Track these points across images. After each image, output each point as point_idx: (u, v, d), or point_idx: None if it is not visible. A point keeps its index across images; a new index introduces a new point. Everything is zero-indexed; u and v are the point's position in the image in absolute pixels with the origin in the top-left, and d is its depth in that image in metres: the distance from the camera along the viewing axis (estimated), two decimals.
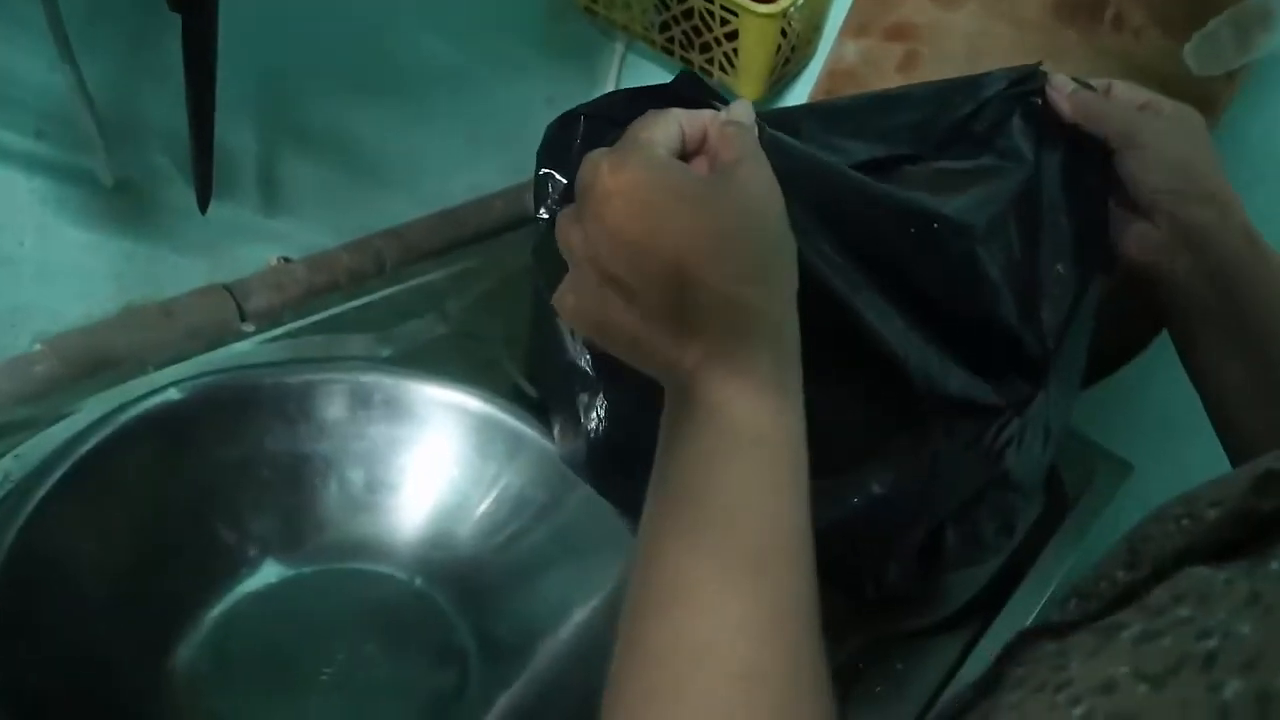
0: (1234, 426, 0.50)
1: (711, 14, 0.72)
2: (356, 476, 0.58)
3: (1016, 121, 0.52)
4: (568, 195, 0.44)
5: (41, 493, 0.47)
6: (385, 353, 0.65)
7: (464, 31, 0.75)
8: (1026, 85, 0.53)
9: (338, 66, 0.68)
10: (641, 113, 0.38)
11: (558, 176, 0.50)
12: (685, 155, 0.38)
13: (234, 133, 0.63)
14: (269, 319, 0.66)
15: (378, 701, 0.52)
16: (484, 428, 0.58)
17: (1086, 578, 0.34)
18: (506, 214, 0.86)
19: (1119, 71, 0.58)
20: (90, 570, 0.49)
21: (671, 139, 0.37)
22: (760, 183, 0.36)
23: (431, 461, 0.58)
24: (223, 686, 0.50)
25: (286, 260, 0.72)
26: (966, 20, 0.69)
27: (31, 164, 0.56)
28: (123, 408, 0.52)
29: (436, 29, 0.73)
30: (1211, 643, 0.22)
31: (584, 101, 0.49)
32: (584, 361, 0.51)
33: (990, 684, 0.31)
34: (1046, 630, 0.30)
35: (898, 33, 0.72)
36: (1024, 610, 0.60)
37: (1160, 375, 0.69)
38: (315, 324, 0.66)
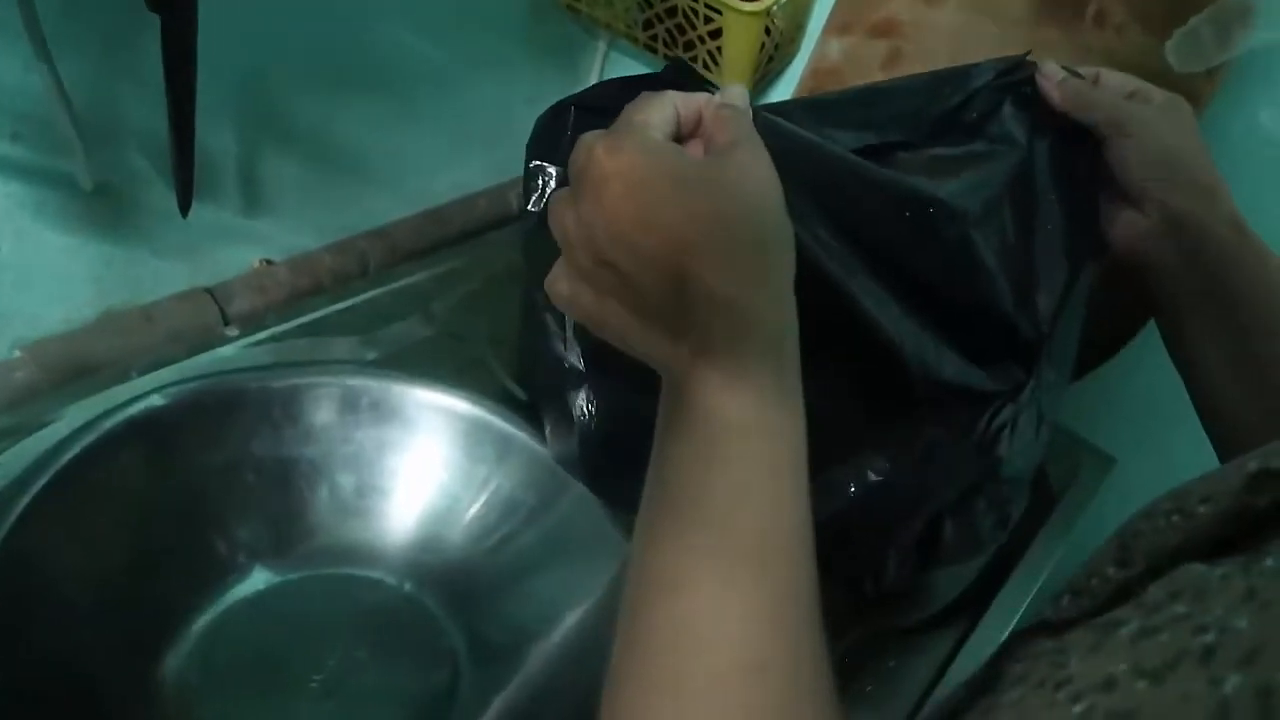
0: (1220, 416, 0.51)
1: (695, 12, 0.72)
2: (344, 481, 0.57)
3: (1008, 109, 0.52)
4: (563, 183, 0.44)
5: (25, 502, 0.46)
6: (371, 355, 0.64)
7: (446, 30, 0.75)
8: (1016, 75, 0.53)
9: (319, 66, 0.67)
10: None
11: (549, 168, 0.50)
12: (680, 138, 0.38)
13: (214, 133, 0.62)
14: (252, 322, 0.66)
15: (368, 707, 0.52)
16: (473, 430, 0.58)
17: (1078, 574, 0.34)
18: (491, 212, 0.85)
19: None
20: (76, 579, 0.48)
21: (667, 122, 0.37)
22: (758, 166, 0.36)
23: (420, 465, 0.58)
24: (212, 694, 0.50)
25: (269, 262, 0.71)
26: (950, 17, 0.69)
27: (7, 167, 0.55)
28: (106, 414, 0.51)
29: (418, 28, 0.73)
30: (1209, 637, 0.22)
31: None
32: (574, 358, 0.51)
33: (987, 682, 0.31)
34: (1043, 628, 0.30)
35: (881, 30, 0.72)
36: (1013, 605, 0.60)
37: (1141, 368, 0.69)
38: (299, 327, 0.66)
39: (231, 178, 0.67)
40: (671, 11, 0.75)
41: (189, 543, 0.53)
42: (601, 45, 0.89)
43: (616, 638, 0.33)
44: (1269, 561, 0.23)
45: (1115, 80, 0.53)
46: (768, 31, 0.73)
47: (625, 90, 0.40)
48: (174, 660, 0.50)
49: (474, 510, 0.58)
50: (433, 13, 0.73)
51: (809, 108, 0.51)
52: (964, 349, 0.48)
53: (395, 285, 0.73)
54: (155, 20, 0.50)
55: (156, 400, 0.53)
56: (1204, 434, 0.52)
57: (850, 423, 0.48)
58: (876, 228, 0.45)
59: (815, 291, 0.38)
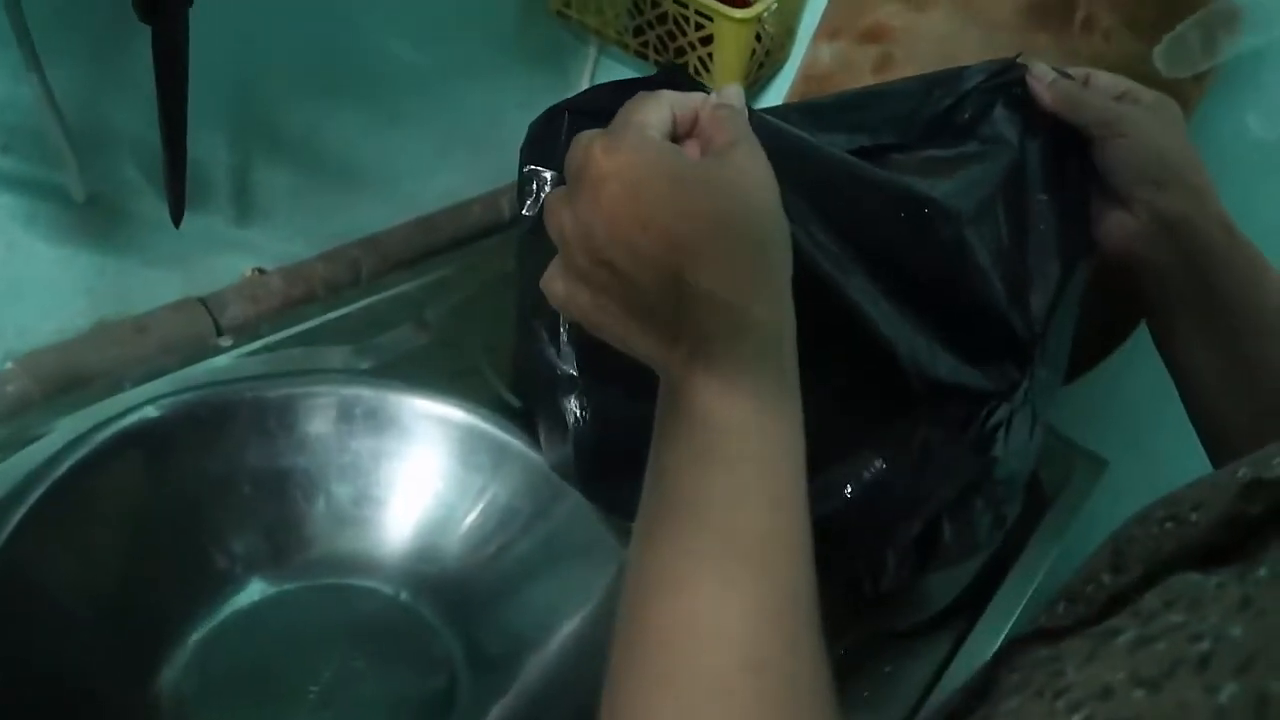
0: (1210, 416, 0.51)
1: (686, 18, 0.72)
2: (340, 491, 0.57)
3: (999, 110, 0.52)
4: (558, 186, 0.44)
5: (19, 516, 0.46)
6: (364, 364, 0.64)
7: (436, 36, 0.75)
8: (1006, 76, 0.53)
9: (309, 74, 0.67)
10: None
11: (543, 172, 0.50)
12: (676, 138, 0.38)
13: (205, 142, 0.62)
14: (245, 332, 0.66)
15: (366, 717, 0.52)
16: (468, 439, 0.58)
17: (1073, 580, 0.34)
18: (483, 220, 0.85)
19: None
20: (72, 592, 0.48)
21: (664, 122, 0.37)
22: (756, 166, 0.36)
23: (416, 474, 0.58)
24: (209, 706, 0.50)
25: (261, 272, 0.71)
26: (939, 23, 0.69)
27: None
28: (99, 426, 0.51)
29: (408, 34, 0.72)
30: (1204, 645, 0.22)
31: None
32: (569, 364, 0.51)
33: (984, 690, 0.31)
34: (1039, 636, 0.31)
35: (871, 35, 0.72)
36: (1008, 608, 0.60)
37: (1132, 372, 0.70)
38: (293, 336, 0.66)
39: (223, 187, 0.67)
40: (662, 18, 0.75)
41: (185, 554, 0.53)
42: (592, 52, 0.89)
43: (615, 638, 0.33)
44: (1263, 570, 0.23)
45: (1105, 81, 0.53)
46: (758, 38, 0.73)
47: (619, 93, 0.39)
48: (170, 672, 0.50)
49: (470, 519, 0.58)
50: (423, 20, 0.73)
51: (801, 112, 0.51)
52: (959, 349, 0.48)
53: (388, 293, 0.73)
54: (146, 31, 0.50)
55: (151, 412, 0.53)
56: (1194, 436, 0.52)
57: (847, 423, 0.48)
58: (871, 227, 0.45)
59: (811, 291, 0.38)
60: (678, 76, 0.43)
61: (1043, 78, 0.52)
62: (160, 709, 0.48)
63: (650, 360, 0.36)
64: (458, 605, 0.56)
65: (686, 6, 0.71)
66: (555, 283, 0.37)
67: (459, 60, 0.78)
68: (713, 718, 0.30)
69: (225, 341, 0.64)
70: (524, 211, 0.51)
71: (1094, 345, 0.67)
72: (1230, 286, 0.49)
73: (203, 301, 0.66)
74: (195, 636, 0.52)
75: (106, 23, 0.53)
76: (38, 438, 0.53)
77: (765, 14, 0.71)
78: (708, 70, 0.75)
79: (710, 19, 0.71)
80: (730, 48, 0.72)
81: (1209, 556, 0.27)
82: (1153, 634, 0.24)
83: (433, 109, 0.79)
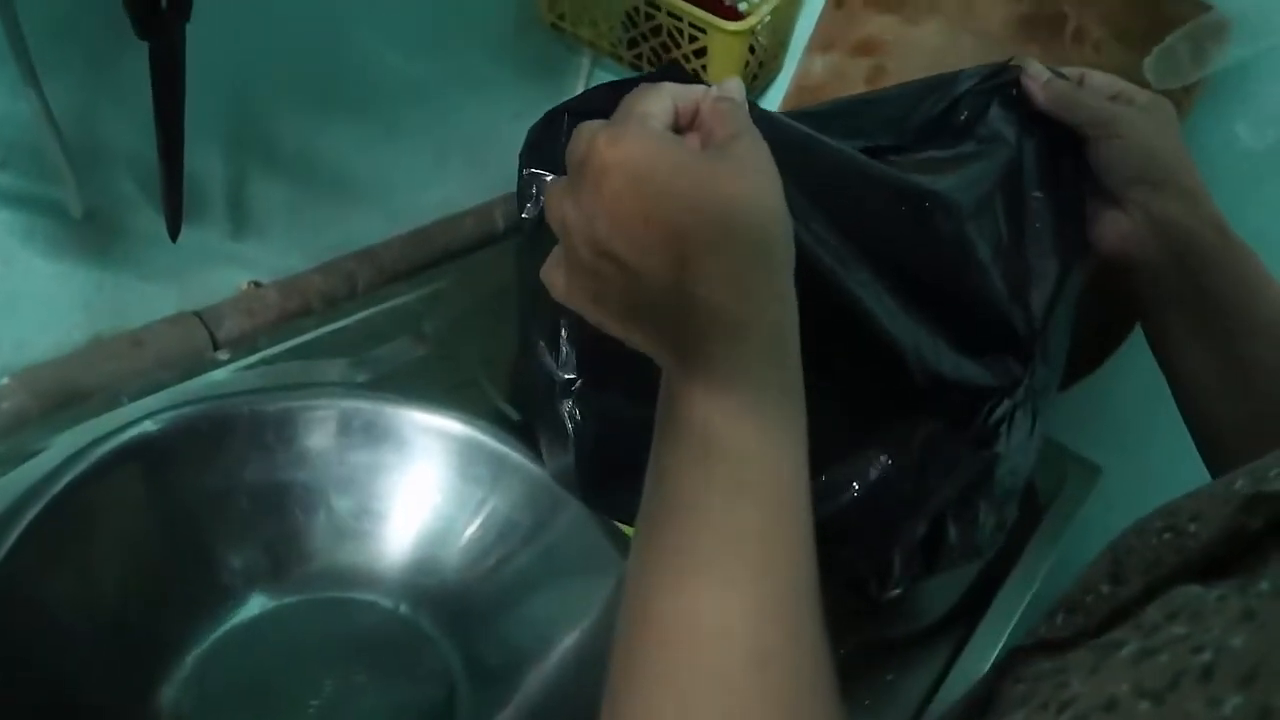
0: (1204, 418, 0.51)
1: (680, 30, 0.73)
2: (339, 504, 0.57)
3: (995, 110, 0.53)
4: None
5: (17, 532, 0.46)
6: (362, 377, 0.64)
7: (430, 49, 0.75)
8: (1001, 78, 0.53)
9: (304, 87, 0.68)
10: None
11: (544, 176, 0.50)
12: (677, 130, 0.37)
13: (201, 157, 0.62)
14: (242, 346, 0.66)
15: None
16: (467, 451, 0.58)
17: (1072, 590, 0.35)
18: (478, 231, 0.85)
19: None
20: (71, 608, 0.48)
21: (666, 113, 0.36)
22: (759, 159, 0.35)
23: (415, 487, 0.58)
24: None
25: (257, 285, 0.71)
26: (931, 35, 0.70)
27: None
28: (98, 442, 0.51)
29: (403, 46, 0.73)
30: (1206, 656, 0.22)
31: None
32: (568, 369, 0.51)
33: (987, 700, 0.31)
34: (1041, 648, 0.31)
35: (864, 48, 0.73)
36: (1005, 616, 0.61)
37: (1122, 378, 0.70)
38: (290, 350, 0.66)
39: (219, 201, 0.67)
40: (656, 30, 0.75)
41: (184, 569, 0.53)
42: (586, 63, 0.89)
43: (616, 638, 0.33)
44: (1264, 584, 0.23)
45: (1099, 81, 0.53)
46: (751, 50, 0.74)
47: (616, 94, 0.39)
48: (170, 689, 0.50)
49: (470, 532, 0.58)
50: (418, 32, 0.73)
51: (796, 119, 0.51)
52: (960, 344, 0.48)
53: (385, 306, 0.73)
54: (143, 46, 0.50)
55: (149, 426, 0.52)
56: (1187, 443, 0.52)
57: (849, 421, 0.48)
58: (873, 222, 0.45)
59: (812, 286, 0.38)
60: (675, 73, 0.43)
61: (1038, 77, 0.52)
62: None
63: (652, 353, 0.36)
64: (457, 618, 0.56)
65: (680, 19, 0.72)
66: (556, 274, 0.37)
67: (453, 73, 0.79)
68: (716, 715, 0.30)
69: (222, 355, 0.64)
70: (523, 215, 0.50)
71: (1091, 347, 0.68)
72: (1224, 288, 0.49)
73: (199, 315, 0.66)
74: (195, 651, 0.51)
75: (104, 38, 0.53)
76: (35, 453, 0.53)
77: (758, 26, 0.71)
78: (701, 82, 0.75)
79: (704, 31, 0.71)
80: (723, 60, 0.72)
81: (1209, 569, 0.27)
82: (1155, 646, 0.24)
83: (427, 121, 0.79)
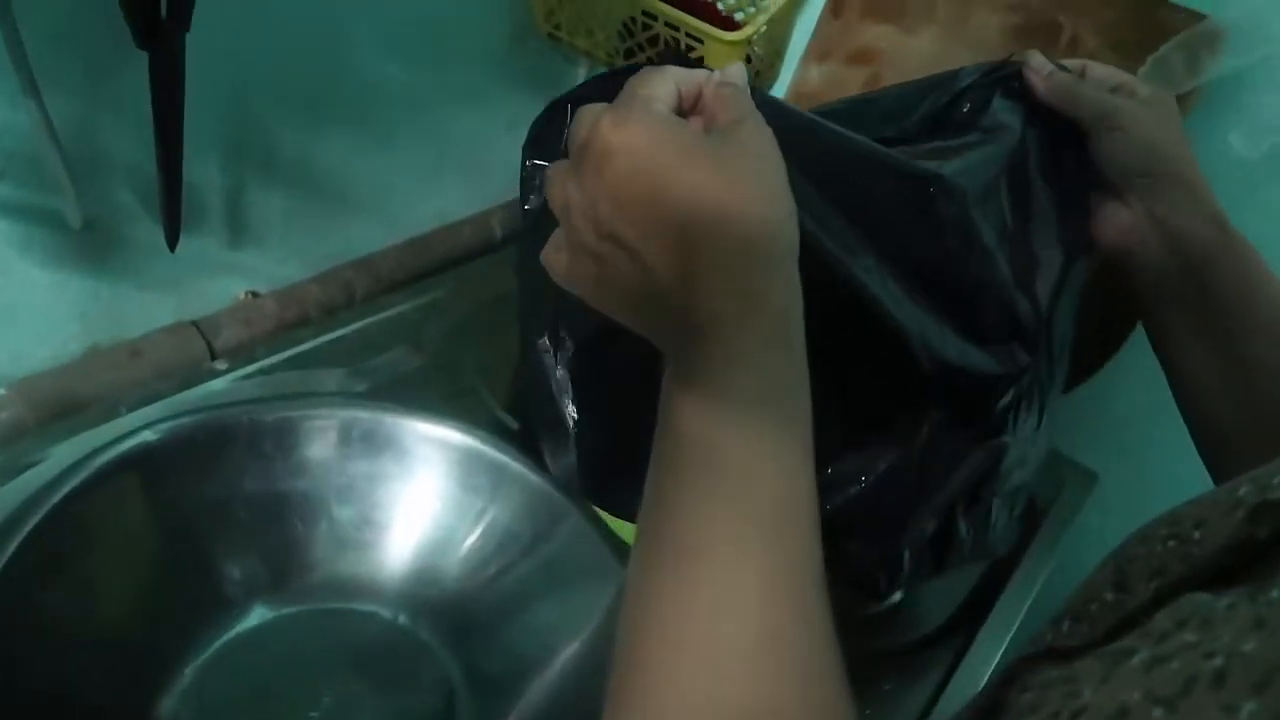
0: (1205, 419, 0.51)
1: (676, 40, 0.73)
2: (338, 515, 0.57)
3: (998, 101, 0.52)
4: None
5: (16, 543, 0.46)
6: (360, 387, 0.64)
7: (427, 59, 0.75)
8: (1002, 72, 0.53)
9: (301, 97, 0.68)
10: None
11: (547, 168, 0.49)
12: (680, 115, 0.37)
13: (199, 167, 0.62)
14: (239, 355, 0.65)
15: None
16: (466, 461, 0.58)
17: (1075, 598, 0.34)
18: (475, 240, 0.85)
19: None
20: (70, 619, 0.47)
21: (670, 96, 0.36)
22: (763, 143, 0.35)
23: (414, 497, 0.58)
24: None
25: (255, 294, 0.71)
26: (927, 45, 0.70)
27: None
28: (96, 452, 0.51)
29: (399, 56, 0.73)
30: (1218, 661, 0.22)
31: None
32: (568, 365, 0.50)
33: (993, 709, 0.31)
34: (1048, 656, 0.31)
35: (860, 57, 0.73)
36: (1005, 624, 0.61)
37: (1119, 385, 0.71)
38: (287, 359, 0.66)
39: (216, 210, 0.67)
40: (653, 40, 0.76)
41: (183, 580, 0.52)
42: (582, 74, 0.89)
43: (623, 617, 0.32)
44: (1275, 593, 0.23)
45: (1101, 73, 0.53)
46: (748, 59, 0.74)
47: (617, 85, 0.38)
48: (170, 700, 0.49)
49: (470, 541, 0.57)
50: (414, 42, 0.73)
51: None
52: (965, 331, 0.47)
53: (382, 315, 0.73)
54: (142, 56, 0.50)
55: (148, 436, 0.52)
56: (1183, 449, 0.52)
57: (856, 411, 0.47)
58: (878, 207, 0.44)
59: (815, 272, 0.37)
60: (675, 60, 0.42)
61: (1040, 69, 0.52)
62: None
63: (655, 335, 0.35)
64: (457, 628, 0.56)
65: (677, 28, 0.72)
66: (557, 257, 0.36)
67: (450, 82, 0.79)
68: (723, 694, 0.30)
69: (220, 365, 0.64)
70: (525, 207, 0.50)
71: (1093, 346, 0.68)
72: (1224, 284, 0.49)
73: (196, 325, 0.66)
74: (194, 663, 0.51)
75: (103, 48, 0.53)
76: (33, 464, 0.53)
77: (755, 36, 0.72)
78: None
79: (700, 41, 0.72)
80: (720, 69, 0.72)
81: (1216, 577, 0.27)
82: (1166, 653, 0.24)
83: (424, 131, 0.79)
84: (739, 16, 0.76)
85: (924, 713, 0.54)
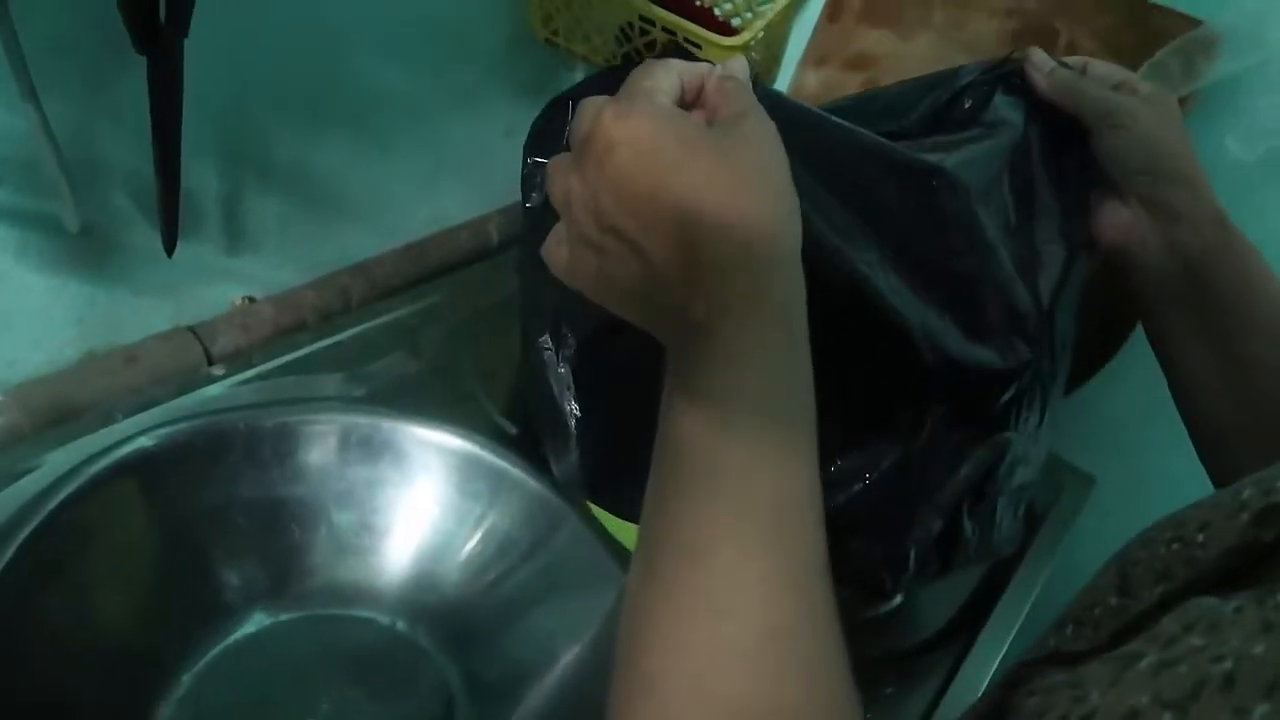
0: (1204, 418, 0.51)
1: (674, 46, 0.73)
2: (336, 520, 0.57)
3: (1000, 97, 0.52)
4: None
5: (12, 550, 0.46)
6: (358, 392, 0.64)
7: (424, 65, 0.75)
8: (1003, 69, 0.53)
9: (298, 102, 0.67)
10: None
11: (548, 161, 0.49)
12: (683, 107, 0.37)
13: (196, 172, 0.62)
14: (236, 361, 0.65)
15: None
16: (465, 466, 0.58)
17: (1079, 602, 0.34)
18: (473, 246, 0.85)
19: None
20: (66, 627, 0.47)
21: (673, 88, 0.36)
22: (766, 137, 0.35)
23: (413, 502, 0.58)
24: None
25: (251, 300, 0.71)
26: (924, 49, 0.71)
27: None
28: (93, 458, 0.50)
29: (396, 61, 0.73)
30: (1227, 665, 0.22)
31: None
32: (569, 363, 0.50)
33: (997, 713, 0.31)
34: (1053, 660, 0.31)
35: (857, 62, 0.73)
36: (1005, 628, 0.61)
37: (1116, 389, 0.71)
38: (285, 365, 0.65)
39: (213, 216, 0.66)
40: (650, 45, 0.76)
41: (181, 587, 0.52)
42: (579, 79, 0.89)
43: (625, 612, 0.32)
44: None
45: (1102, 70, 0.53)
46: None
47: (618, 81, 0.38)
48: (167, 708, 0.49)
49: (469, 547, 0.57)
50: (412, 47, 0.73)
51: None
52: (967, 325, 0.47)
53: (379, 321, 0.72)
54: (141, 62, 0.50)
55: (145, 442, 0.52)
56: (1180, 453, 0.52)
57: (859, 407, 0.47)
58: (880, 200, 0.44)
59: (818, 265, 0.37)
60: (677, 53, 0.42)
61: (1042, 66, 0.52)
62: None
63: (656, 328, 0.35)
64: (457, 634, 0.55)
65: (674, 34, 0.72)
66: (558, 251, 0.36)
67: (447, 88, 0.79)
68: (729, 688, 0.30)
69: (217, 371, 0.64)
70: (527, 205, 0.50)
71: (1094, 346, 0.68)
72: (1223, 283, 0.49)
73: (193, 331, 0.65)
74: (192, 669, 0.51)
75: (102, 53, 0.53)
76: (28, 471, 0.53)
77: (752, 41, 0.72)
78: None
79: (698, 46, 0.72)
80: None
81: (1222, 581, 0.27)
82: (1174, 657, 0.24)
83: (421, 136, 0.79)
84: (736, 22, 0.76)
85: (924, 717, 0.54)
